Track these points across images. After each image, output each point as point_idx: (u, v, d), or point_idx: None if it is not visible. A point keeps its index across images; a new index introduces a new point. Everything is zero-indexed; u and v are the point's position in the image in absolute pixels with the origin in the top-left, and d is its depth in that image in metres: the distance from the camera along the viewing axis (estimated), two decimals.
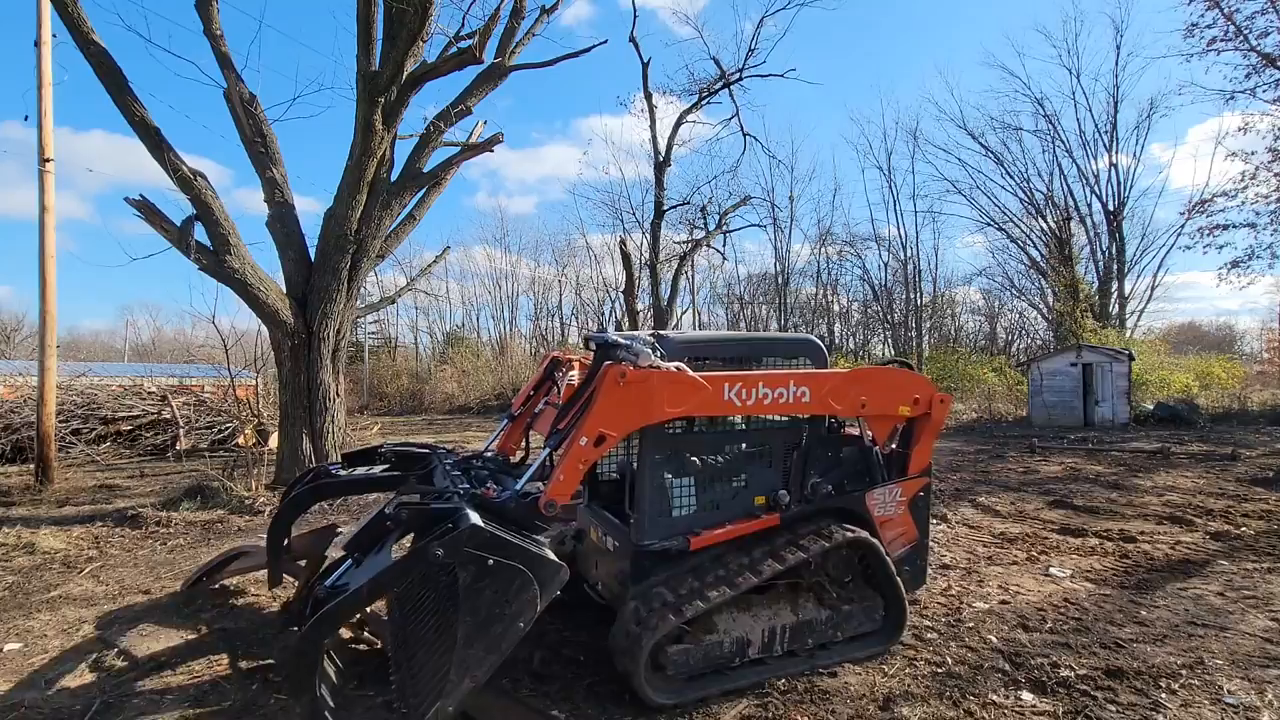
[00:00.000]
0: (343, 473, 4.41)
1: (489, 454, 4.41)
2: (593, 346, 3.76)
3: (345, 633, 4.19)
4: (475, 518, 2.89)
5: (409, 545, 3.16)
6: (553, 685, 3.68)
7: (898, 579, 4.02)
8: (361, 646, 4.17)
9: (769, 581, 3.67)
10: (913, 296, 36.72)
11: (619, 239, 25.82)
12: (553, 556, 2.93)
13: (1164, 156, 73.28)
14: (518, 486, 3.31)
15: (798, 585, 3.87)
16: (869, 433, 4.24)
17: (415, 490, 3.52)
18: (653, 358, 3.45)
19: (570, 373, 4.59)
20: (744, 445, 4.02)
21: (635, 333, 4.12)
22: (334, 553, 4.20)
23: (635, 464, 3.84)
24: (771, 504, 3.94)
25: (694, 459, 3.81)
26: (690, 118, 24.85)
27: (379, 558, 2.97)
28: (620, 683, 3.62)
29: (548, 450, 3.52)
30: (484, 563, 2.79)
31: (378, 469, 4.45)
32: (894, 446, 4.45)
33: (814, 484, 4.04)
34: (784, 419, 4.13)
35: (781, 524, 3.90)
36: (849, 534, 3.88)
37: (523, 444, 4.67)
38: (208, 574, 5.24)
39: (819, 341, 4.40)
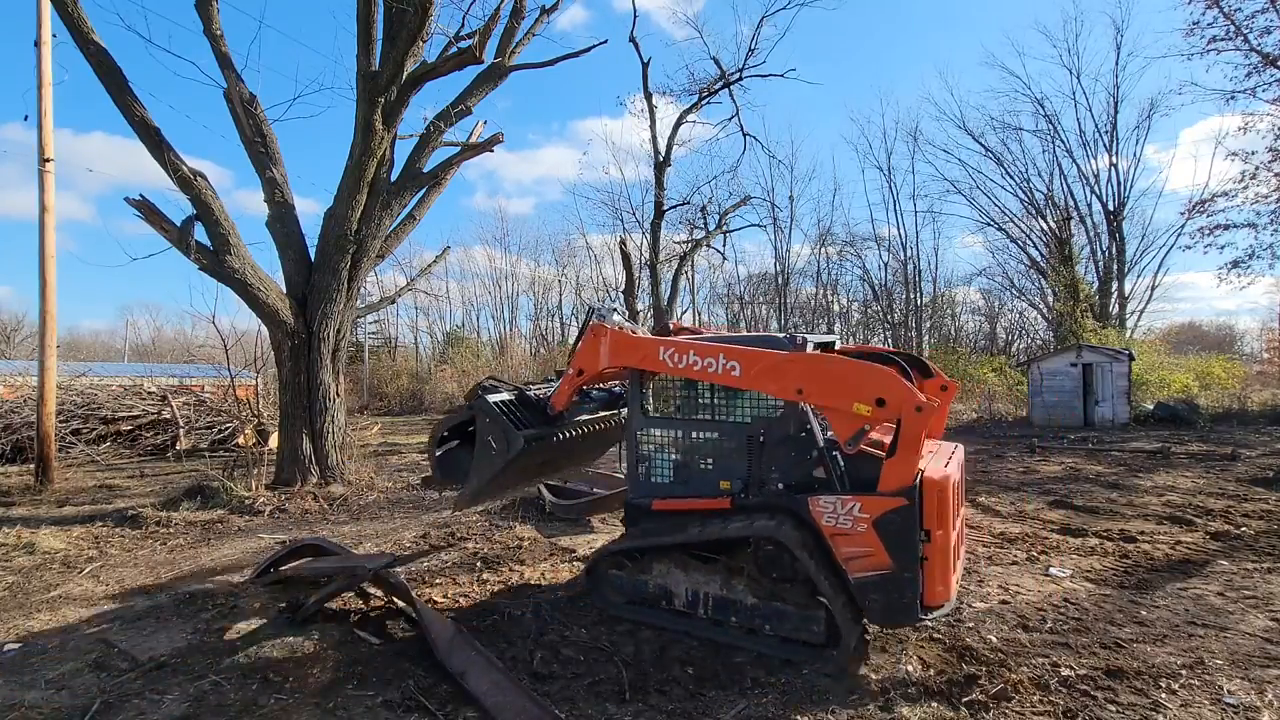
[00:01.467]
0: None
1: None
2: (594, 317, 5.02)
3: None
4: (493, 398, 4.81)
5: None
6: (553, 685, 3.68)
7: (827, 592, 3.70)
8: (362, 647, 4.17)
9: (697, 549, 4.27)
10: (913, 296, 36.73)
11: (619, 239, 25.80)
12: (516, 432, 4.60)
13: (1158, 159, 73.12)
14: (548, 393, 5.10)
15: (730, 566, 4.22)
16: (830, 433, 3.98)
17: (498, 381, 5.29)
18: (619, 321, 4.85)
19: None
20: (715, 435, 4.43)
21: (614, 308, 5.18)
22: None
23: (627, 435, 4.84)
24: (731, 489, 4.32)
25: (668, 438, 4.59)
26: (690, 118, 24.80)
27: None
28: (619, 682, 3.66)
29: (564, 373, 5.00)
30: (484, 420, 4.75)
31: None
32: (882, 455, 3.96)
33: (770, 479, 4.16)
34: (749, 415, 4.35)
35: (732, 509, 4.22)
36: (763, 528, 3.88)
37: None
38: (275, 565, 5.34)
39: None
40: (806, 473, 4.02)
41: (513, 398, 4.96)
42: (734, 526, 4.03)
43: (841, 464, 3.98)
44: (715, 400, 4.51)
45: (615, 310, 4.98)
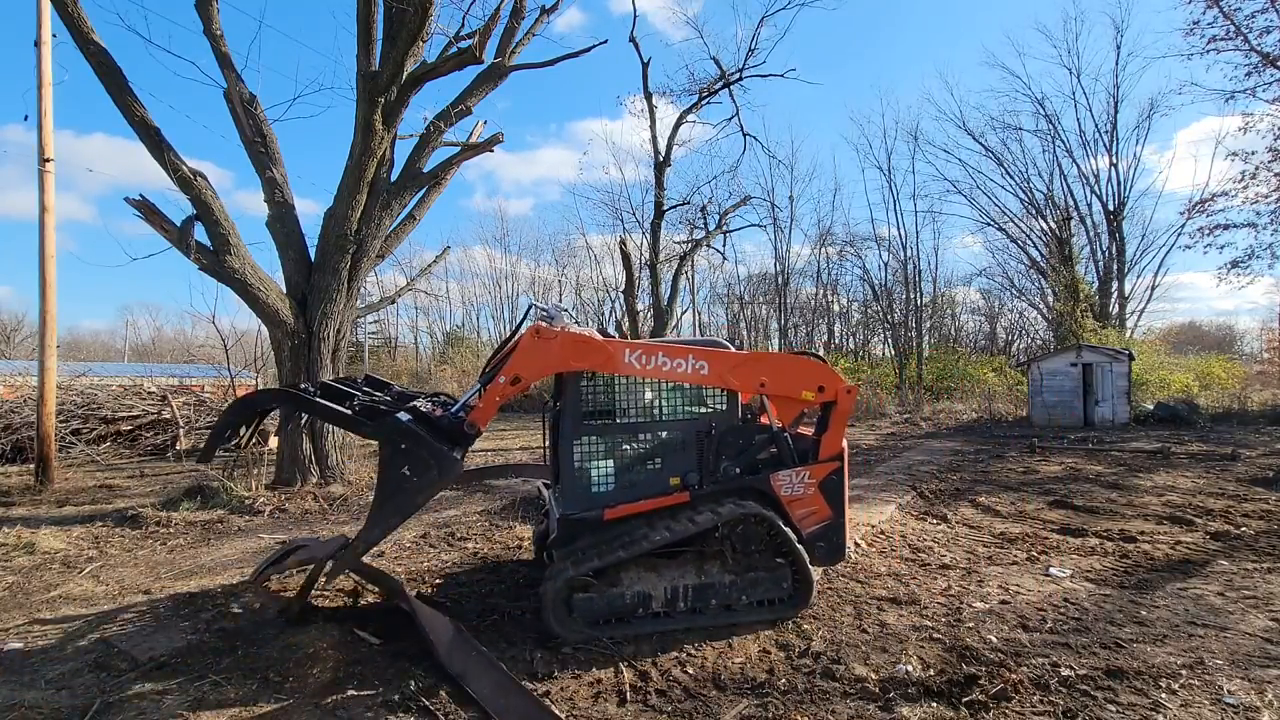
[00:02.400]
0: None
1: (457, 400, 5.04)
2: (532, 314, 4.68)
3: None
4: (404, 418, 4.05)
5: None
6: (553, 685, 3.68)
7: (800, 550, 4.41)
8: (362, 648, 4.17)
9: (665, 547, 4.22)
10: (913, 296, 36.70)
11: (619, 239, 25.79)
12: (454, 455, 3.99)
13: (1156, 160, 72.97)
14: (453, 411, 4.34)
15: (704, 552, 4.36)
16: (778, 420, 4.59)
17: (387, 398, 4.60)
18: (566, 322, 4.45)
19: None
20: (663, 434, 4.55)
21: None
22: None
23: (559, 444, 4.53)
24: (684, 484, 4.49)
25: (611, 443, 4.47)
26: (690, 118, 24.82)
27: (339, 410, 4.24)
28: (619, 682, 3.65)
29: (477, 387, 4.36)
30: (398, 446, 3.94)
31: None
32: (810, 435, 4.74)
33: (724, 467, 4.52)
34: (697, 411, 4.60)
35: (692, 501, 4.43)
36: (740, 509, 4.30)
37: None
38: (271, 565, 5.33)
39: None
40: (754, 455, 4.58)
41: (413, 415, 4.17)
42: (723, 510, 4.29)
43: (790, 443, 4.56)
44: (662, 400, 4.61)
45: (564, 310, 4.56)
